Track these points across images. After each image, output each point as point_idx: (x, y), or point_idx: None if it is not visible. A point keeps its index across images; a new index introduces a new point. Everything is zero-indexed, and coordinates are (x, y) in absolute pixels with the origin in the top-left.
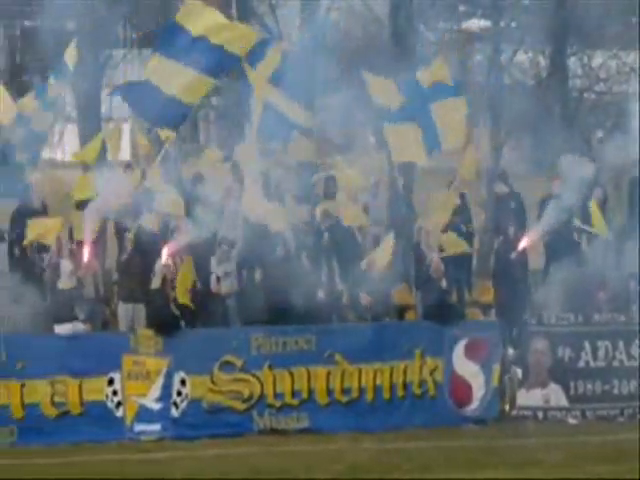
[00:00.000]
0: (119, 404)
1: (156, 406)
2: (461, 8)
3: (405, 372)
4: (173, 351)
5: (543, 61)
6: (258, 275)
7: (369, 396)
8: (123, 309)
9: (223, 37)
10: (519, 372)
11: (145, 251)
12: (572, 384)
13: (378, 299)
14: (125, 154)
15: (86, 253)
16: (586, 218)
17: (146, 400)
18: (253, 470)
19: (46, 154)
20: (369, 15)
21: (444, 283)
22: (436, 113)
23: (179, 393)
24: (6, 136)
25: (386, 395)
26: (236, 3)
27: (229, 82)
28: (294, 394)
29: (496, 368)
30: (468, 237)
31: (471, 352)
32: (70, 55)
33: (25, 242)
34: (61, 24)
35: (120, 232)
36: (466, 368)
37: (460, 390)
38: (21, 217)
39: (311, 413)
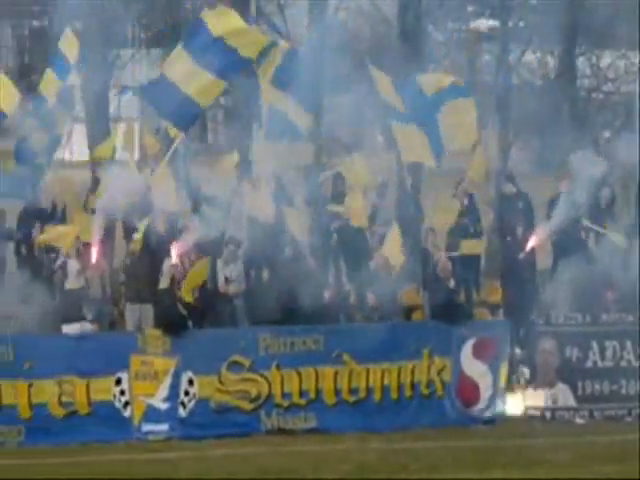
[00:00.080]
0: (127, 404)
1: (164, 406)
2: (469, 8)
3: (413, 372)
4: (181, 351)
5: (551, 61)
6: (266, 275)
7: (377, 396)
8: (130, 309)
9: (239, 41)
10: (527, 372)
11: (153, 251)
12: (580, 384)
13: (385, 299)
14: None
15: (94, 253)
16: (595, 217)
17: (154, 400)
18: (261, 470)
19: (57, 154)
20: (377, 15)
21: (452, 283)
22: (443, 118)
23: (187, 393)
24: (20, 135)
25: (394, 395)
26: (250, 3)
27: (238, 83)
28: (302, 394)
29: (504, 368)
30: (476, 237)
31: (479, 352)
32: (67, 45)
33: (37, 243)
34: (69, 24)
35: (128, 233)
36: (474, 368)
37: (468, 390)
38: (28, 217)
39: (319, 413)
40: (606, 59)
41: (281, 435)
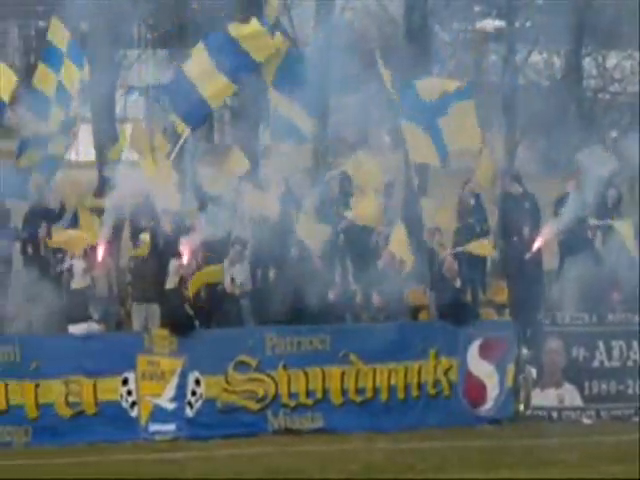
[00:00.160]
0: (134, 404)
1: (170, 406)
2: (476, 8)
3: (420, 372)
4: (188, 351)
5: (558, 61)
6: (272, 275)
7: (383, 396)
8: (137, 309)
9: (252, 44)
10: (533, 372)
11: (160, 251)
12: (586, 384)
13: (392, 299)
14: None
15: (100, 251)
16: (601, 217)
17: (161, 400)
18: (267, 470)
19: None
20: (384, 15)
21: (458, 283)
22: (445, 121)
23: (194, 393)
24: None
25: (400, 395)
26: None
27: (245, 83)
28: (308, 394)
29: (510, 368)
30: (483, 237)
31: (485, 352)
32: (56, 34)
33: (49, 245)
34: (76, 24)
35: (135, 233)
36: (480, 368)
37: (474, 390)
38: (34, 217)
39: (325, 413)
40: (612, 59)
41: (288, 435)
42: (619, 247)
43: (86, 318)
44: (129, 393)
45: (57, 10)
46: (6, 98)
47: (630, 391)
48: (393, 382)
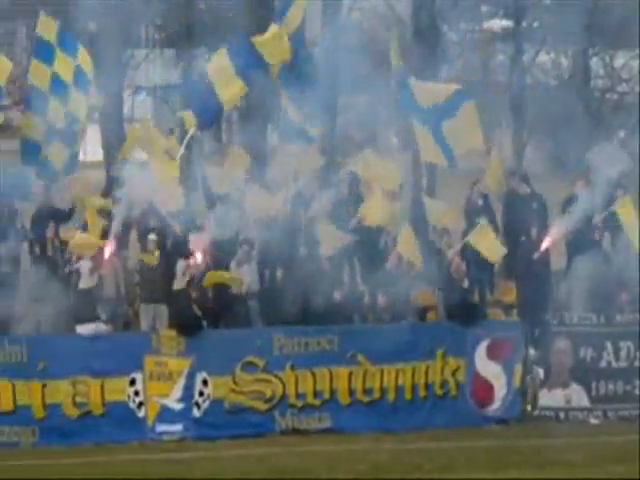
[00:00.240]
0: (141, 404)
1: (178, 406)
2: (483, 8)
3: (427, 372)
4: (195, 351)
5: (565, 61)
6: (280, 275)
7: (391, 396)
8: (145, 309)
9: (267, 48)
10: (541, 372)
11: (168, 252)
12: (594, 384)
13: (398, 300)
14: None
15: (107, 250)
16: (608, 217)
17: (168, 400)
18: (275, 470)
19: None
20: (392, 15)
21: (466, 283)
22: (447, 125)
23: (201, 393)
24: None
25: (408, 395)
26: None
27: (253, 84)
28: (316, 394)
29: (518, 368)
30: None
31: (493, 352)
32: (45, 29)
33: (69, 249)
34: (83, 24)
35: (143, 234)
36: (488, 368)
37: (482, 390)
38: (41, 218)
39: (333, 413)
40: (620, 59)
41: (295, 435)
42: (627, 247)
43: (94, 318)
44: (136, 393)
45: (65, 10)
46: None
47: (637, 391)
48: (401, 382)
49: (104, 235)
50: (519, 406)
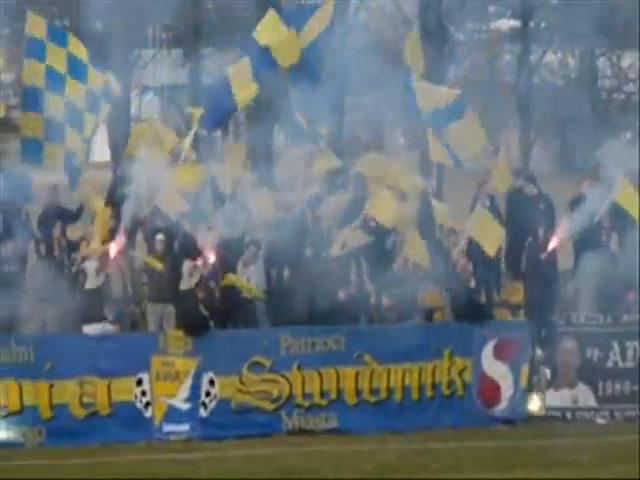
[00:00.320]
0: (148, 404)
1: (185, 406)
2: (490, 8)
3: (434, 372)
4: (202, 351)
5: (572, 61)
6: (287, 275)
7: (398, 396)
8: (152, 309)
9: (281, 52)
10: (547, 372)
11: (175, 251)
12: (600, 384)
13: (405, 300)
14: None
15: (112, 250)
16: (615, 217)
17: (175, 400)
18: (282, 470)
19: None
20: (399, 16)
21: (472, 283)
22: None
23: (208, 393)
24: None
25: (415, 395)
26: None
27: (261, 85)
28: (323, 394)
29: (525, 368)
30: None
31: (500, 352)
32: (34, 27)
33: (81, 254)
34: (91, 24)
35: (149, 236)
36: (495, 368)
37: (489, 390)
38: (48, 218)
39: (340, 413)
40: (627, 59)
41: (302, 435)
42: (634, 247)
43: (101, 318)
44: (143, 394)
45: (73, 10)
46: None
47: None
48: (407, 382)
49: (112, 235)
50: (526, 406)
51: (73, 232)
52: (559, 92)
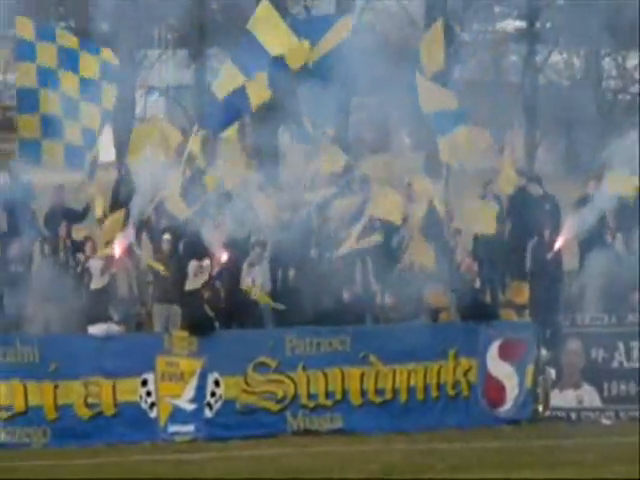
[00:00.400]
0: (153, 405)
1: (190, 407)
2: (496, 9)
3: (439, 373)
4: (207, 352)
5: (578, 62)
6: (292, 276)
7: (403, 397)
8: (158, 310)
9: (292, 57)
10: (553, 373)
11: (181, 252)
12: (605, 385)
13: (409, 300)
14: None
15: (117, 249)
16: (621, 218)
17: (180, 401)
18: (287, 471)
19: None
20: (404, 16)
21: (477, 283)
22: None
23: (213, 394)
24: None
25: (420, 396)
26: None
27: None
28: (328, 395)
29: (530, 369)
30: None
31: (505, 353)
32: (22, 29)
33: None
34: (97, 25)
35: (155, 236)
36: (500, 369)
37: (494, 391)
38: (54, 218)
39: (345, 414)
40: (632, 60)
41: (307, 436)
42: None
43: (106, 319)
44: (148, 394)
45: (78, 11)
46: None
47: None
48: (412, 383)
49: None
50: (531, 407)
51: (78, 232)
52: (564, 93)
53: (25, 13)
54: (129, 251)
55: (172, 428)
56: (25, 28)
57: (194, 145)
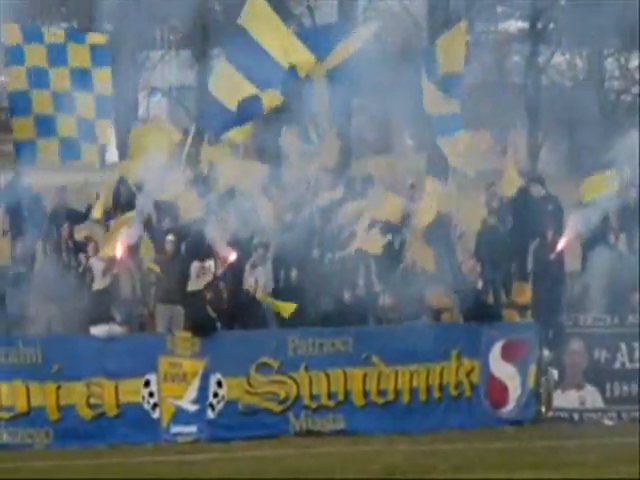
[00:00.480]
0: (155, 406)
1: (192, 408)
2: (499, 9)
3: (442, 374)
4: (209, 353)
5: (580, 63)
6: (295, 276)
7: (405, 398)
8: (161, 311)
9: (301, 64)
10: (555, 373)
11: (183, 253)
12: (608, 385)
13: (411, 301)
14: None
15: (119, 250)
16: (622, 218)
17: (182, 402)
18: (289, 471)
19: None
20: (407, 16)
21: (480, 284)
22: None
23: (215, 395)
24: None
25: (422, 397)
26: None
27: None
28: (330, 396)
29: (532, 369)
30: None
31: (508, 353)
32: (9, 34)
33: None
34: (99, 25)
35: (157, 236)
36: (502, 369)
37: (496, 391)
38: (57, 218)
39: (347, 414)
40: (635, 61)
41: (309, 437)
42: None
43: (108, 320)
44: (151, 395)
45: (81, 12)
46: None
47: None
48: (415, 384)
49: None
50: (533, 407)
51: (79, 232)
52: (567, 93)
53: (28, 13)
54: (132, 251)
55: (175, 429)
56: (12, 33)
57: (194, 145)
